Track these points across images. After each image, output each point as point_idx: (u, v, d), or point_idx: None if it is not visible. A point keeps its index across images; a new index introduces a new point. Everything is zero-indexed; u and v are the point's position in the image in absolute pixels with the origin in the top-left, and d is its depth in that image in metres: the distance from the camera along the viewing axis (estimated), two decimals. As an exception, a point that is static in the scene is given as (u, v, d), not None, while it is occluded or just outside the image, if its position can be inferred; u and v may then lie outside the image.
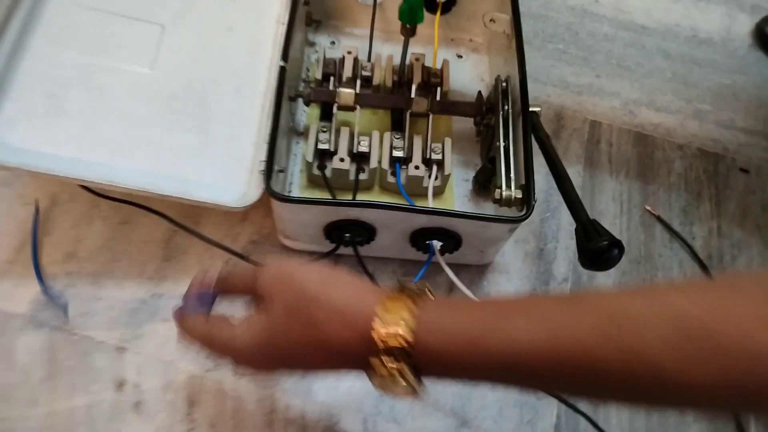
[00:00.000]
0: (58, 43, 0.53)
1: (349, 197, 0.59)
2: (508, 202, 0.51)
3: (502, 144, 0.54)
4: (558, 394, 0.51)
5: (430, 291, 0.37)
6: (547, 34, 0.77)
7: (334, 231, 0.52)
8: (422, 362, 0.33)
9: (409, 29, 0.56)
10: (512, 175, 0.52)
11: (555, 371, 0.30)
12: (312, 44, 0.70)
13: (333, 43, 0.70)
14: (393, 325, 0.33)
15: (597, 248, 0.47)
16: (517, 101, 0.56)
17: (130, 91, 0.54)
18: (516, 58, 0.58)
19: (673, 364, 0.28)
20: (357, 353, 0.34)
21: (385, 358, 0.33)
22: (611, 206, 0.65)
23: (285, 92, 0.55)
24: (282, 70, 0.54)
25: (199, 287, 0.42)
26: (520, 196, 0.51)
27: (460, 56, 0.71)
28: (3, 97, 0.49)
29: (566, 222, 0.63)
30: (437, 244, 0.53)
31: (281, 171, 0.53)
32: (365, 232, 0.52)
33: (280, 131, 0.53)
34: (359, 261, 0.55)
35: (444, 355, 0.33)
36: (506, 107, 0.56)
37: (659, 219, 0.64)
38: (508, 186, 0.52)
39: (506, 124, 0.55)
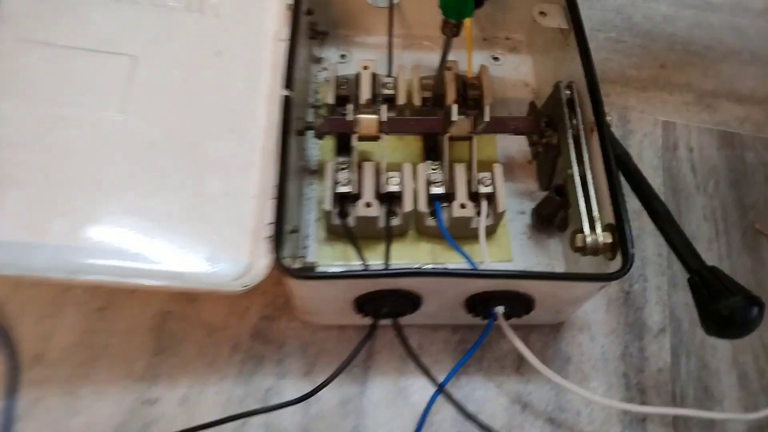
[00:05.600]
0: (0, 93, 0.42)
1: (380, 248, 0.47)
2: (594, 250, 0.39)
3: (576, 171, 0.42)
4: None
5: None
6: (595, 21, 0.65)
7: (368, 303, 0.40)
8: None
9: (453, 27, 0.43)
10: (595, 213, 0.40)
11: None
12: (318, 60, 0.58)
13: (344, 56, 0.58)
14: None
15: (729, 311, 0.34)
16: (588, 113, 0.44)
17: (96, 145, 0.42)
18: (578, 57, 0.45)
19: None
20: None
21: None
22: (704, 228, 0.52)
23: (292, 127, 0.43)
24: (286, 101, 0.43)
25: None
26: (609, 240, 0.39)
27: (496, 59, 0.59)
28: (-72, 170, 0.38)
29: (653, 252, 0.51)
30: (500, 309, 0.40)
31: (294, 231, 0.41)
32: (407, 303, 0.40)
33: (289, 179, 0.41)
34: (400, 336, 0.43)
35: None
36: (574, 121, 0.44)
37: (772, 241, 0.51)
38: (592, 228, 0.40)
39: (577, 142, 0.43)
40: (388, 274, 0.37)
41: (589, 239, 0.39)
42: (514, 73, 0.58)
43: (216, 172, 0.43)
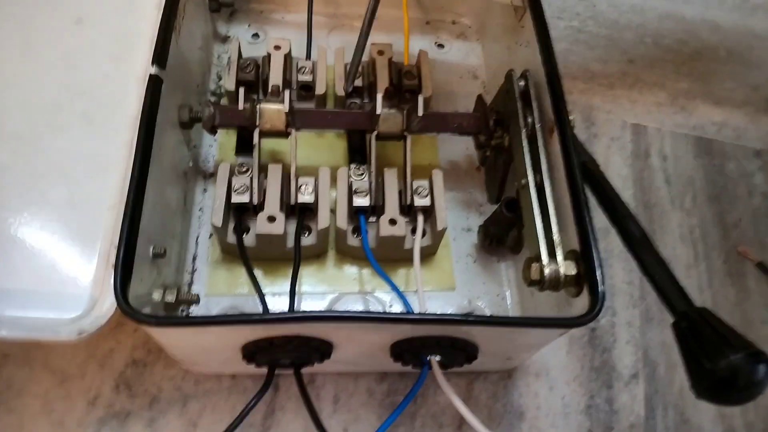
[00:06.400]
0: None
1: (287, 270, 0.37)
2: (553, 284, 0.30)
3: (531, 181, 0.33)
4: None
5: None
6: (555, 8, 0.56)
7: (260, 353, 0.30)
8: None
9: None
10: (555, 235, 0.31)
11: None
12: (225, 39, 0.47)
13: (256, 35, 0.48)
14: None
15: (729, 371, 0.26)
16: (547, 108, 0.35)
17: None
18: (536, 40, 0.37)
19: None
20: None
21: None
22: (681, 250, 0.44)
23: (163, 116, 0.32)
24: (155, 83, 0.32)
25: None
26: (573, 272, 0.30)
27: (440, 45, 0.50)
28: None
29: (622, 279, 0.42)
30: (434, 359, 0.31)
31: (159, 255, 0.31)
32: (313, 351, 0.30)
33: (155, 181, 0.31)
34: (303, 394, 0.32)
35: None
36: (529, 119, 0.35)
37: (761, 267, 0.43)
38: (551, 255, 0.31)
39: (533, 145, 0.34)
40: (286, 318, 0.27)
41: (547, 270, 0.30)
42: (462, 63, 0.49)
43: (61, 175, 0.32)
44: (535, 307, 0.36)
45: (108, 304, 0.28)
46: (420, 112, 0.35)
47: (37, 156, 0.32)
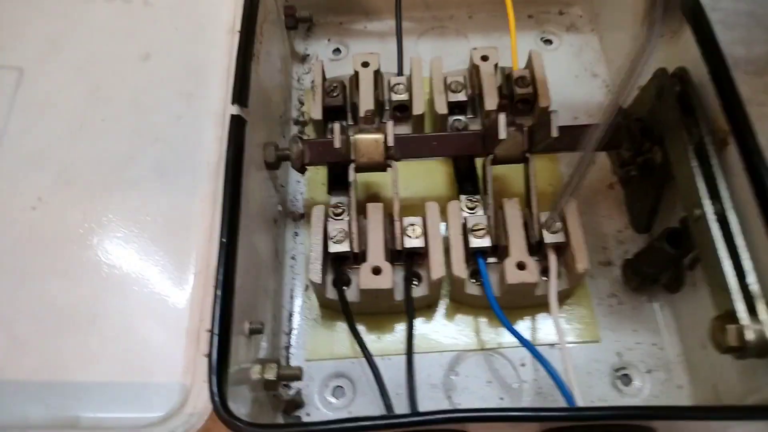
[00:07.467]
0: None
1: (398, 324, 0.32)
2: (762, 350, 0.23)
3: (710, 210, 0.26)
4: None
5: None
6: (676, -17, 0.48)
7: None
8: None
9: None
10: (752, 282, 0.24)
11: None
12: (304, 59, 0.42)
13: (337, 51, 0.43)
14: None
15: None
16: (717, 116, 0.27)
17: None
18: (690, 27, 0.29)
19: None
20: None
21: None
22: None
23: (247, 160, 0.28)
24: (238, 125, 0.27)
25: None
26: (786, 333, 0.22)
27: (547, 41, 0.43)
28: None
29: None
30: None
31: (256, 331, 0.26)
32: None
33: (246, 240, 0.26)
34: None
35: None
36: (695, 131, 0.28)
37: None
38: (752, 310, 0.23)
39: (705, 164, 0.27)
40: (409, 420, 0.21)
41: (751, 334, 0.23)
42: (576, 60, 0.42)
43: (136, 238, 0.28)
44: (710, 361, 0.28)
45: (204, 397, 0.24)
46: (555, 132, 0.28)
47: (108, 218, 0.28)
